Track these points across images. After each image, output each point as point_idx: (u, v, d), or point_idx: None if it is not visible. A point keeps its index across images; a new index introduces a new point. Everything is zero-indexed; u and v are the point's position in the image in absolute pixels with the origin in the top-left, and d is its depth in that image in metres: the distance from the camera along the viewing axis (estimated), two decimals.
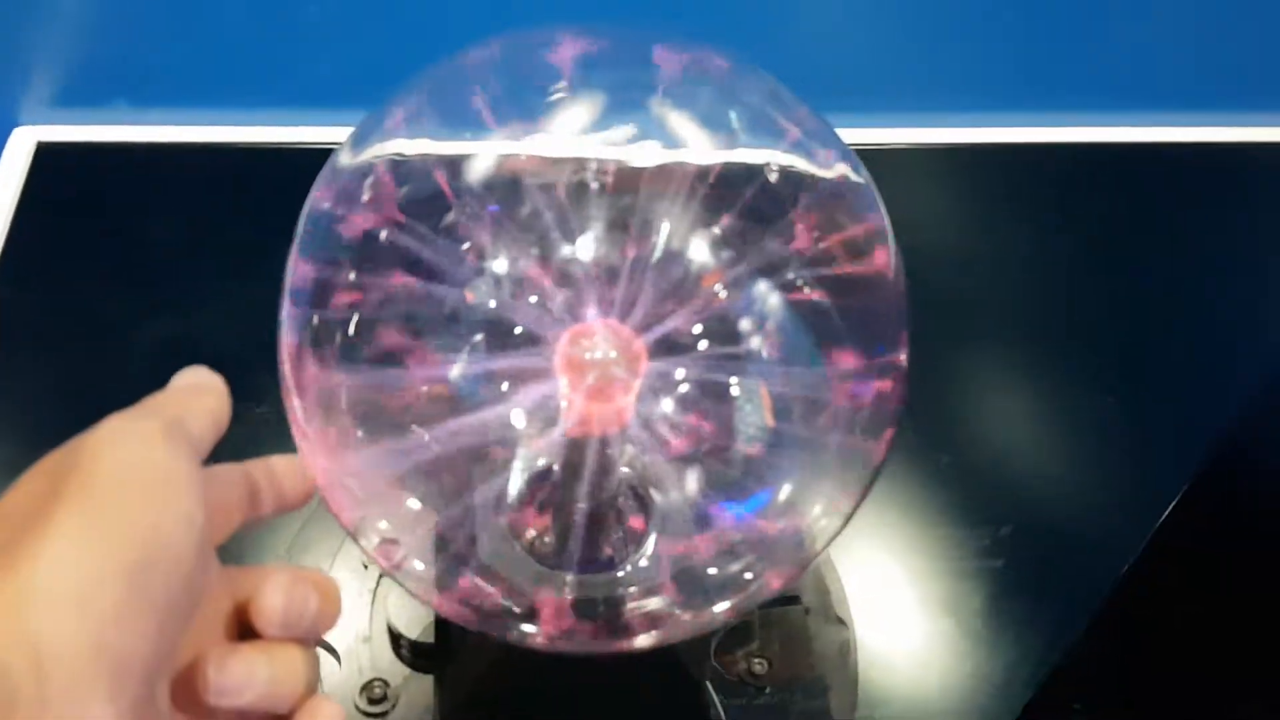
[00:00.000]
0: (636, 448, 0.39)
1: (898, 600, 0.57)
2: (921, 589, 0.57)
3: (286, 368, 0.36)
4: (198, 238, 0.66)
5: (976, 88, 0.77)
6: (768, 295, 0.34)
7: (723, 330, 0.34)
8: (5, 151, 0.69)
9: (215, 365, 0.59)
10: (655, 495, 0.41)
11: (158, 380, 0.60)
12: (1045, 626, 0.55)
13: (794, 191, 0.35)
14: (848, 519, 0.37)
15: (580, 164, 0.34)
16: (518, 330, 0.35)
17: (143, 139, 0.71)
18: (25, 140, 0.70)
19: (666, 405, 0.36)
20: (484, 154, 0.35)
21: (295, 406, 0.37)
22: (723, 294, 0.34)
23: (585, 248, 0.34)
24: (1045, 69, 0.77)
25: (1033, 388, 0.66)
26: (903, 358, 0.36)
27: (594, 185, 0.34)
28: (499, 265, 0.35)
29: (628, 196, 0.34)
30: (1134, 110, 0.79)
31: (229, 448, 0.34)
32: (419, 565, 0.37)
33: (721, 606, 0.38)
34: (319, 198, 0.37)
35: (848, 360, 0.35)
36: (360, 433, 0.36)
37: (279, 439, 0.55)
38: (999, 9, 0.73)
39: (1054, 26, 0.74)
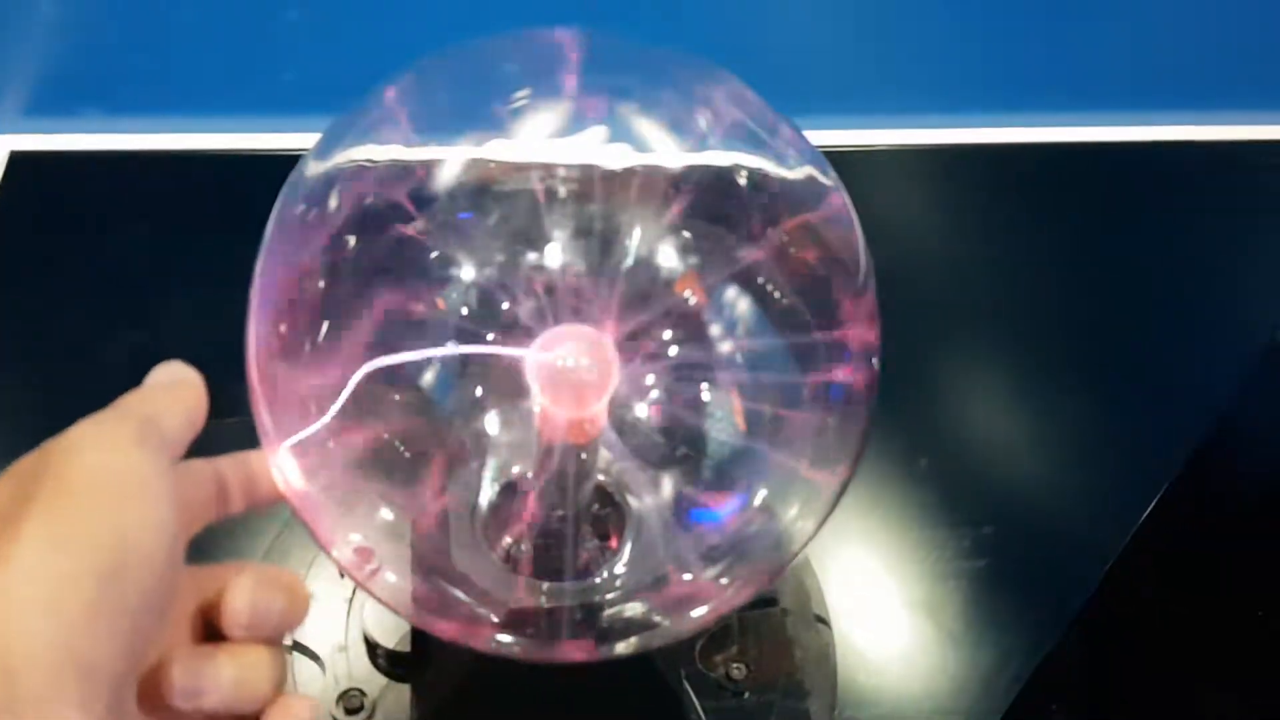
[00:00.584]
0: (611, 454, 0.39)
1: (878, 602, 0.56)
2: (902, 590, 0.57)
3: (255, 377, 0.36)
4: (170, 246, 0.66)
5: (951, 88, 0.77)
6: (737, 298, 0.34)
7: (695, 334, 0.34)
8: None
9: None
10: (631, 501, 0.40)
11: (130, 388, 0.59)
12: (1025, 628, 0.55)
13: (762, 194, 0.35)
14: (823, 520, 0.37)
15: (548, 170, 0.34)
16: (489, 337, 0.35)
17: (115, 147, 0.71)
18: None
19: (640, 410, 0.36)
20: (451, 160, 0.34)
21: (264, 415, 0.36)
22: (693, 298, 0.34)
23: (554, 253, 0.34)
24: (1020, 68, 0.77)
25: (1013, 388, 0.66)
26: (874, 358, 0.36)
27: (562, 191, 0.33)
28: (468, 272, 0.35)
29: (596, 202, 0.33)
30: (1110, 109, 0.79)
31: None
32: (391, 577, 0.36)
33: (699, 612, 0.38)
34: (286, 204, 0.37)
35: (818, 359, 0.34)
36: (330, 443, 0.35)
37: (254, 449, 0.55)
38: (977, 7, 0.73)
39: (1028, 24, 0.74)
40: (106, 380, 0.59)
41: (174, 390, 0.34)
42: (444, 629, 0.37)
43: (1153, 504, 0.59)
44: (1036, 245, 0.73)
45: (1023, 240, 0.73)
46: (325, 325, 0.36)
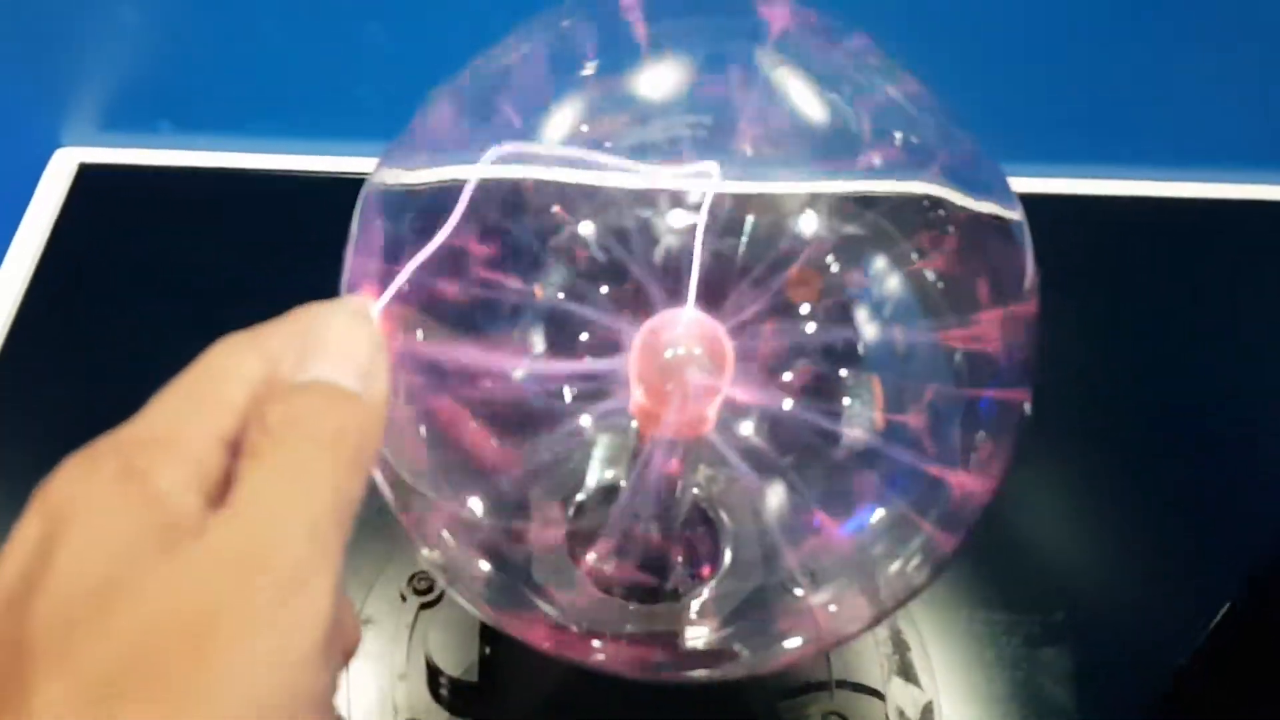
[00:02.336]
0: (713, 465, 0.36)
1: (953, 678, 0.52)
2: (970, 673, 0.53)
3: None
4: (237, 264, 0.64)
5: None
6: (881, 289, 0.31)
7: (824, 325, 0.31)
8: (46, 172, 0.68)
9: None
10: (726, 519, 0.37)
11: None
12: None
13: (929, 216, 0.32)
14: (953, 552, 0.34)
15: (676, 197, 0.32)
16: (588, 325, 0.32)
17: (186, 163, 0.69)
18: (67, 161, 0.68)
19: (754, 412, 0.33)
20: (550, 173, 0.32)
21: None
22: (823, 287, 0.31)
23: (667, 232, 0.31)
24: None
25: (1096, 467, 0.62)
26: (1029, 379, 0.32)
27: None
28: (568, 257, 0.33)
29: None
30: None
31: None
32: (475, 580, 0.34)
33: (792, 644, 0.35)
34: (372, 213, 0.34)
35: (968, 368, 0.31)
36: (422, 431, 0.33)
37: None
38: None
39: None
40: None
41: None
42: (519, 632, 0.34)
43: (1226, 607, 0.55)
44: (1127, 317, 0.68)
45: (1112, 312, 0.68)
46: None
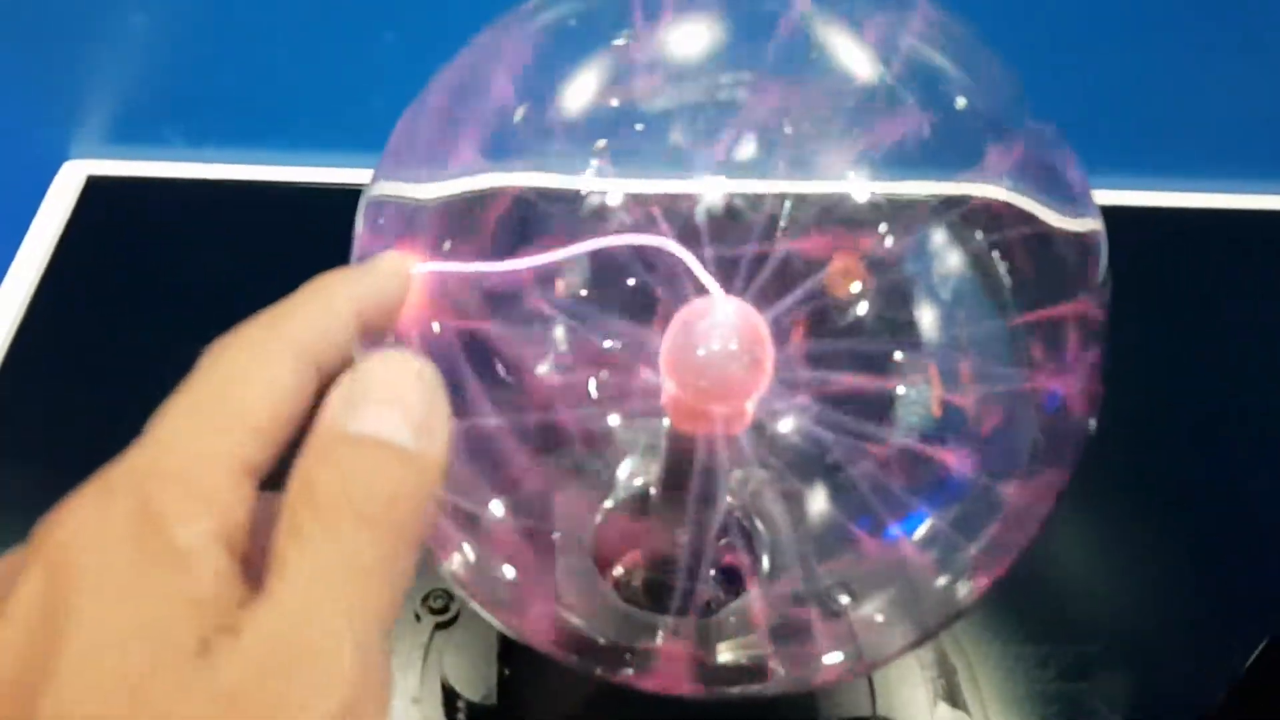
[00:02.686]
0: (749, 468, 0.34)
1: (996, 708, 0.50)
2: (1009, 704, 0.50)
3: None
4: (246, 277, 0.62)
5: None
6: (939, 274, 0.29)
7: (873, 320, 0.29)
8: (54, 185, 0.66)
9: None
10: (762, 527, 0.35)
11: None
12: None
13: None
14: (1008, 566, 0.31)
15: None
16: (616, 317, 0.30)
17: (195, 175, 0.68)
18: (75, 174, 0.67)
19: (793, 416, 0.31)
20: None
21: None
22: (876, 273, 0.29)
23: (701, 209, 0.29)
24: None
25: (1133, 501, 0.59)
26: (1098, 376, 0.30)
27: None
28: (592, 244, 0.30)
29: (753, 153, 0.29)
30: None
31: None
32: (496, 592, 0.31)
33: (831, 661, 0.33)
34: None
35: (1033, 359, 0.29)
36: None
37: None
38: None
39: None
40: None
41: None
42: (542, 646, 0.32)
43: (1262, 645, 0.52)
44: (1180, 341, 0.65)
45: (1163, 332, 0.66)
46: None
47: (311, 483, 0.20)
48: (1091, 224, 0.30)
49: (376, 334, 0.26)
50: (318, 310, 0.23)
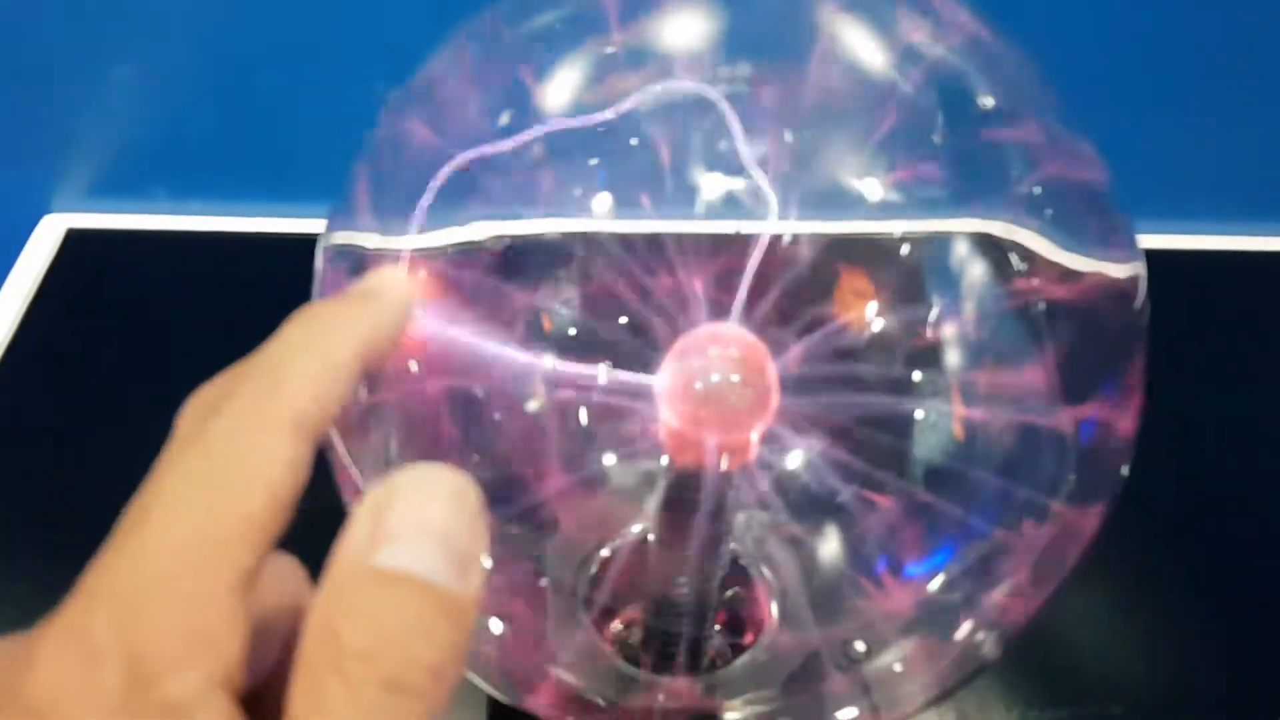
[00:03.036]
0: (753, 511, 0.32)
1: None
2: None
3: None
4: (227, 331, 0.60)
5: None
6: (958, 303, 0.26)
7: (886, 349, 0.27)
8: (32, 238, 0.65)
9: None
10: (769, 575, 0.33)
11: None
12: None
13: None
14: (1027, 620, 0.29)
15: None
16: (612, 346, 0.28)
17: (176, 227, 0.66)
18: (54, 227, 0.65)
19: (800, 446, 0.29)
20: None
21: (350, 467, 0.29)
22: (887, 298, 0.27)
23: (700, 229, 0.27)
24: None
25: (1151, 559, 0.56)
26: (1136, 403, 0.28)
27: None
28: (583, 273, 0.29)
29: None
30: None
31: None
32: (485, 650, 0.29)
33: (844, 706, 0.30)
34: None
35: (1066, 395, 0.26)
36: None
37: (308, 535, 0.48)
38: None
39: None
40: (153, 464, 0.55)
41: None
42: (535, 708, 0.29)
43: None
44: (1200, 392, 0.63)
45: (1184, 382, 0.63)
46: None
47: (335, 636, 0.17)
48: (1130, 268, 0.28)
49: (375, 372, 0.23)
50: (317, 366, 0.20)
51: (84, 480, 0.53)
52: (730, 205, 0.28)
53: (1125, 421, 0.28)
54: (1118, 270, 0.28)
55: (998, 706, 0.48)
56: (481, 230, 0.29)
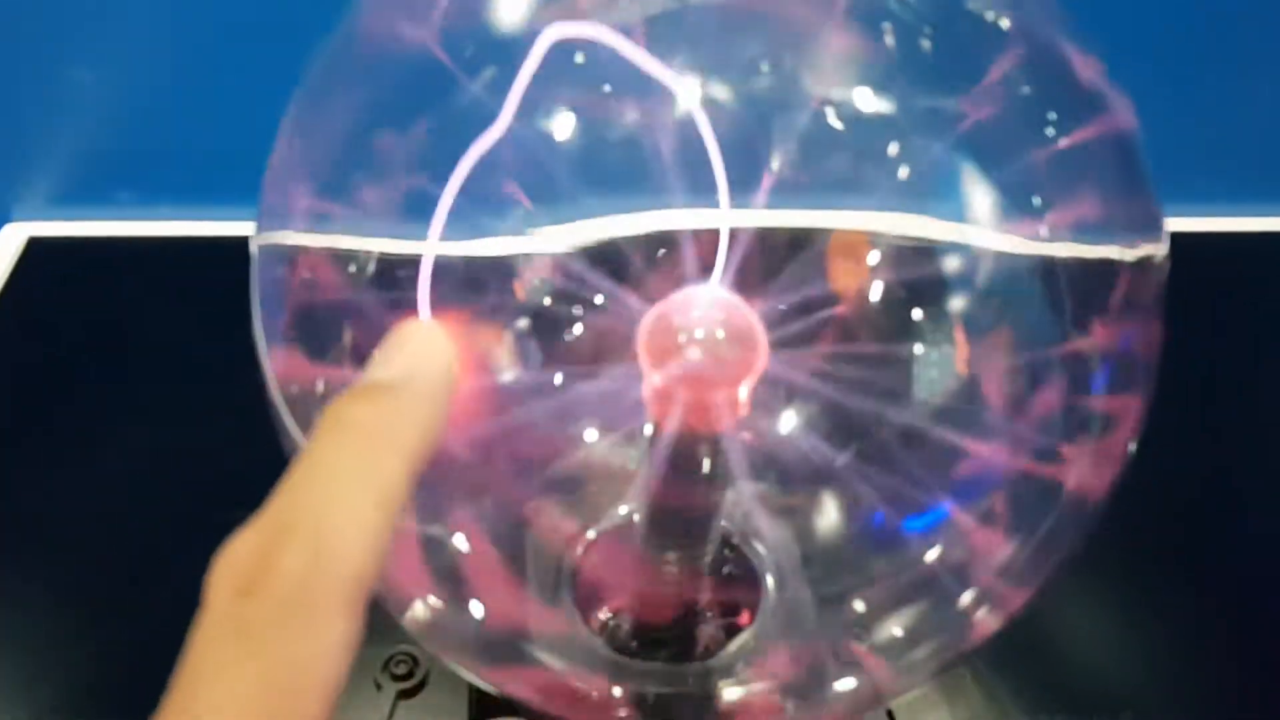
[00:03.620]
0: (739, 484, 0.30)
1: None
2: None
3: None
4: (192, 336, 0.58)
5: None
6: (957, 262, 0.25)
7: (880, 304, 0.25)
8: None
9: (214, 474, 0.52)
10: (763, 550, 0.31)
11: (149, 488, 0.51)
12: None
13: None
14: (1049, 576, 0.27)
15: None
16: (588, 314, 0.26)
17: (140, 233, 0.65)
18: (15, 236, 0.63)
19: (790, 409, 0.27)
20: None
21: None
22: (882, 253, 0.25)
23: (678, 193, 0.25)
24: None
25: (1161, 567, 0.55)
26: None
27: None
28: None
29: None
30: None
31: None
32: (467, 639, 0.27)
33: (845, 689, 0.28)
34: None
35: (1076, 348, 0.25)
36: None
37: None
38: None
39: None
40: (121, 478, 0.54)
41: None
42: (523, 696, 0.27)
43: None
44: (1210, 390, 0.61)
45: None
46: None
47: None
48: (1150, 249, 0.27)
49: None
50: (369, 508, 0.18)
51: (47, 490, 0.51)
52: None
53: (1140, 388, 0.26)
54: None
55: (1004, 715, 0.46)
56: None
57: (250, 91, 0.62)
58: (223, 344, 0.51)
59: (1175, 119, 0.66)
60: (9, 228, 0.64)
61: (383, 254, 0.27)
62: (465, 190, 0.25)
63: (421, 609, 0.28)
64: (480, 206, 0.26)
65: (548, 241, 0.27)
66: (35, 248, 0.63)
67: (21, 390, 0.57)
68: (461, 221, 0.26)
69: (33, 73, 0.60)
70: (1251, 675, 0.50)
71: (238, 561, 0.17)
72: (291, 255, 0.29)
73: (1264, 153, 0.70)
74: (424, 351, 0.21)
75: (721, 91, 0.24)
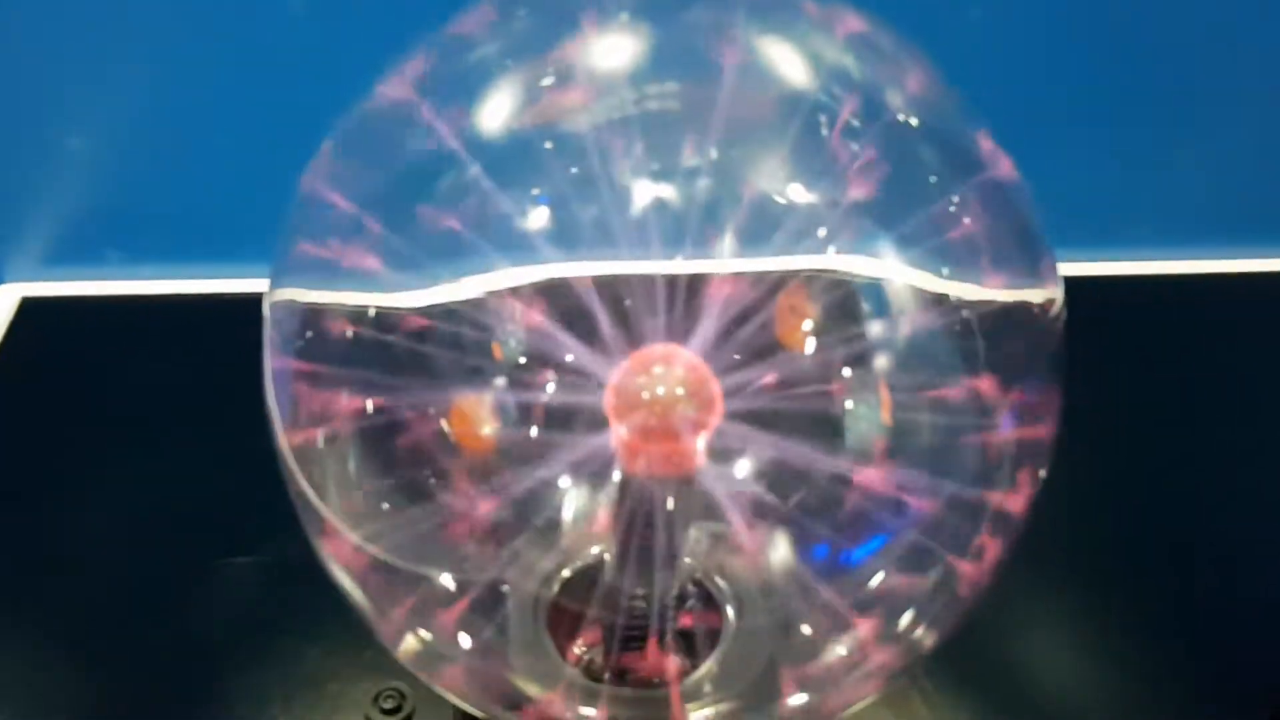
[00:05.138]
0: (704, 521, 0.33)
1: None
2: None
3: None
4: (185, 392, 0.61)
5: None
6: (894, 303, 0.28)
7: (824, 358, 0.28)
8: None
9: (205, 527, 0.54)
10: (724, 585, 0.34)
11: (142, 543, 0.53)
12: None
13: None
14: (978, 594, 0.30)
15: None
16: (561, 369, 0.29)
17: (132, 292, 0.67)
18: (8, 297, 0.66)
19: (745, 453, 0.30)
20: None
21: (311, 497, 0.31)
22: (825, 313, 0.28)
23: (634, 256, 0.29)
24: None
25: (1122, 585, 0.57)
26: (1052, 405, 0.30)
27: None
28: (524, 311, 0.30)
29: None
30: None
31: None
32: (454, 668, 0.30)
33: (797, 700, 0.31)
34: None
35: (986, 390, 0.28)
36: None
37: (266, 588, 0.48)
38: None
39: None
40: (115, 533, 0.56)
41: None
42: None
43: None
44: (1164, 412, 0.64)
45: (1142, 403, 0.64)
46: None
47: None
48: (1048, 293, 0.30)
49: None
50: None
51: (42, 548, 0.53)
52: (669, 237, 0.30)
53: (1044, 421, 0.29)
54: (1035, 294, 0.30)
55: None
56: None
57: (232, 154, 0.65)
58: (212, 400, 0.54)
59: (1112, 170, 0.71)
60: (2, 289, 0.66)
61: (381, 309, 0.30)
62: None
63: (412, 641, 0.31)
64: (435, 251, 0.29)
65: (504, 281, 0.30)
66: (29, 307, 0.66)
67: (18, 448, 0.59)
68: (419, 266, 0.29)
69: (25, 138, 0.63)
70: (1201, 696, 0.52)
71: None
72: (303, 310, 0.31)
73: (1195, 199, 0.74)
74: None
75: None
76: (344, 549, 0.31)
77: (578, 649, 0.35)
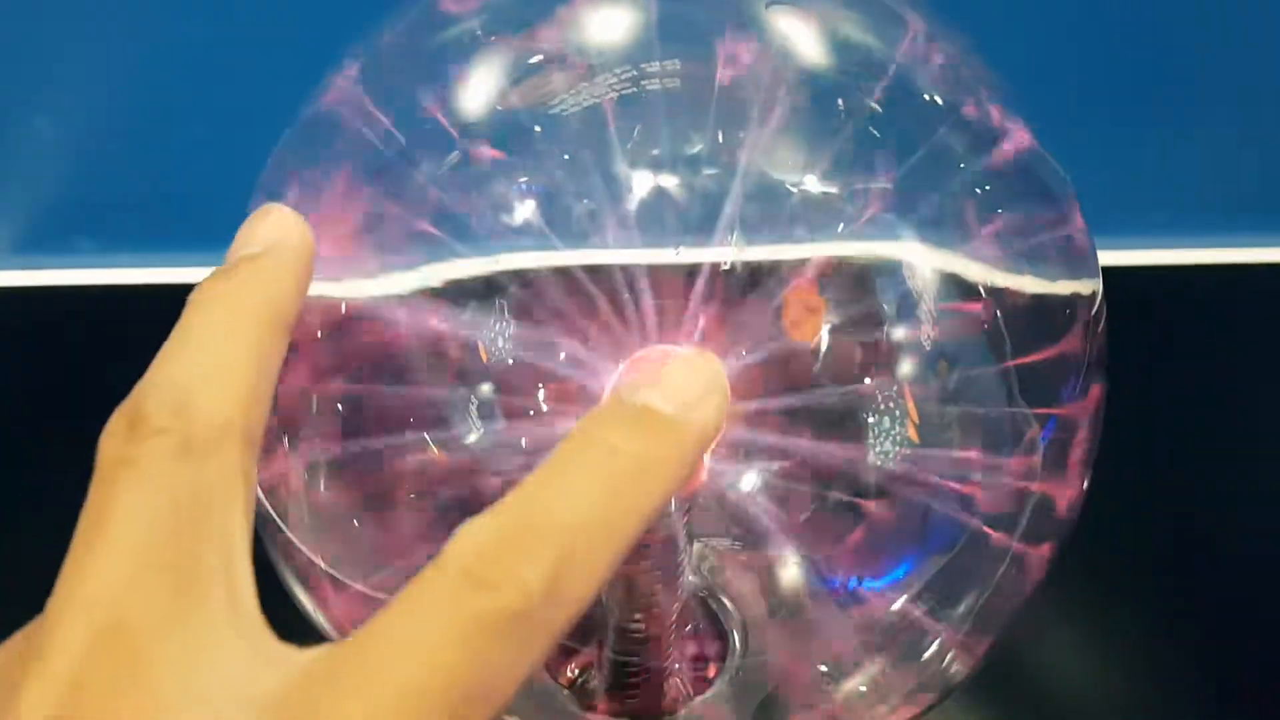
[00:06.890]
0: (709, 539, 0.30)
1: None
2: None
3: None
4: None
5: None
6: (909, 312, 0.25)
7: (837, 362, 0.26)
8: None
9: None
10: (730, 606, 0.31)
11: None
12: None
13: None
14: (1007, 627, 0.28)
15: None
16: (555, 373, 0.27)
17: (103, 281, 0.65)
18: None
19: (753, 474, 0.27)
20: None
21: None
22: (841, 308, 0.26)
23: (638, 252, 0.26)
24: None
25: (1136, 598, 0.55)
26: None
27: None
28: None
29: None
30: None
31: None
32: None
33: None
34: None
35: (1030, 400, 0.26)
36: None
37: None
38: None
39: None
40: None
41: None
42: None
43: None
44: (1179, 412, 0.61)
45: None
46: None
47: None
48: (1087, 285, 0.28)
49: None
50: (245, 368, 0.20)
51: (9, 542, 0.51)
52: (672, 226, 0.27)
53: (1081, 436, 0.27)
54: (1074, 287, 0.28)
55: None
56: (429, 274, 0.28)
57: (207, 139, 0.62)
58: None
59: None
60: None
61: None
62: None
63: None
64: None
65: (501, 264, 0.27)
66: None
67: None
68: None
69: None
70: (1224, 697, 0.50)
71: (122, 419, 0.19)
72: None
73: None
74: (278, 225, 0.23)
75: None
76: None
77: (570, 671, 0.32)
